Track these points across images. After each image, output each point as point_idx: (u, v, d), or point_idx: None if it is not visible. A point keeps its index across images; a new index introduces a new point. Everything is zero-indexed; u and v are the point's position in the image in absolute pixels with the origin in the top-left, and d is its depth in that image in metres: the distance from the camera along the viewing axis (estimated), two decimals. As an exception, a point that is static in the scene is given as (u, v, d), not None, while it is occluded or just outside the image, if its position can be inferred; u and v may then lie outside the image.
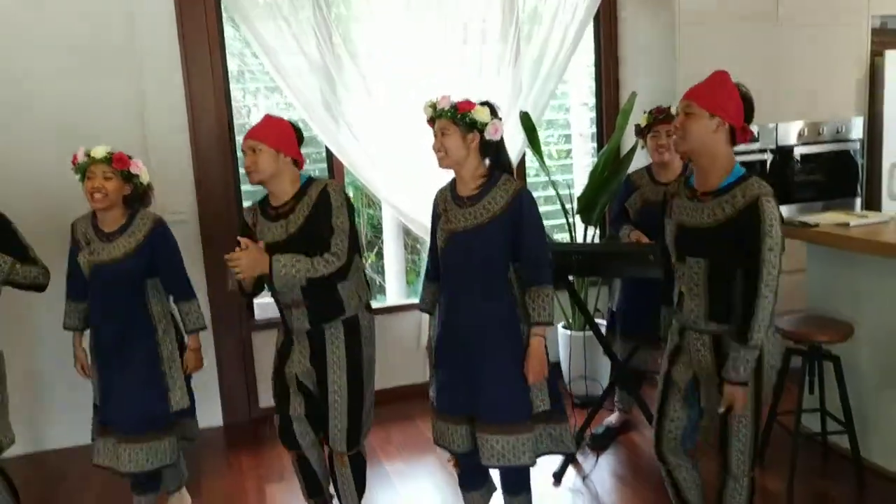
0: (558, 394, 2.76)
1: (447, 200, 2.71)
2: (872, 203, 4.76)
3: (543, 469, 3.56)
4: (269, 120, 2.78)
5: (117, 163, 2.83)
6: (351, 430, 2.84)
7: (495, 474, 2.92)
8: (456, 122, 2.58)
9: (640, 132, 3.63)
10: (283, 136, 2.73)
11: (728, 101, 2.39)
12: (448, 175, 2.75)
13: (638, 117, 3.76)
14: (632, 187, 3.67)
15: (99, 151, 2.82)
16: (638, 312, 3.58)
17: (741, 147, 4.34)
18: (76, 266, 2.93)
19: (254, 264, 2.60)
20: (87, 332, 3.03)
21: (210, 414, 4.26)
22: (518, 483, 2.84)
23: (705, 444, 2.65)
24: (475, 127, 2.60)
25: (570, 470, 3.59)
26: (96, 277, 2.88)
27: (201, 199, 4.10)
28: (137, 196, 2.95)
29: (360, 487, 2.99)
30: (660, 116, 3.49)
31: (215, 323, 4.20)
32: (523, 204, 2.59)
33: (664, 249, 2.65)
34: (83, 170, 2.83)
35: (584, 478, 3.53)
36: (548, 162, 4.95)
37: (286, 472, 3.48)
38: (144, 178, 2.94)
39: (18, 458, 3.62)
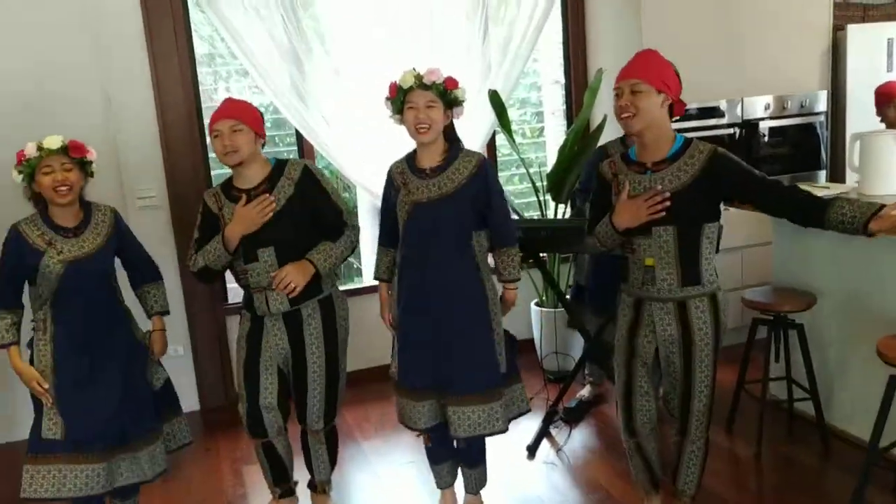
0: (515, 359, 2.88)
1: (405, 173, 2.74)
2: (837, 175, 4.84)
3: (517, 442, 3.62)
4: (239, 102, 2.78)
5: (74, 151, 2.61)
6: (328, 408, 2.92)
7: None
8: (441, 96, 2.63)
9: None
10: (257, 117, 2.79)
11: (670, 77, 2.50)
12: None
13: (606, 93, 3.79)
14: (604, 157, 3.68)
15: (54, 141, 2.58)
16: (606, 286, 3.61)
17: (710, 121, 4.44)
18: (22, 272, 2.65)
19: (303, 273, 2.71)
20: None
21: (186, 399, 4.25)
22: (478, 454, 2.94)
23: (666, 412, 2.73)
24: (454, 105, 2.67)
25: (544, 443, 3.65)
26: (72, 275, 2.62)
27: (171, 183, 4.08)
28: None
29: (333, 459, 3.08)
30: None
31: (189, 308, 4.20)
32: (488, 173, 2.70)
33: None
34: (33, 166, 2.57)
35: (558, 450, 3.59)
36: (521, 141, 4.98)
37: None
38: (94, 167, 2.72)
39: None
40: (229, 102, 2.76)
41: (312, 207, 2.76)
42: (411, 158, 2.77)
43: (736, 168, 2.46)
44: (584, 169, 3.82)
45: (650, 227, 2.49)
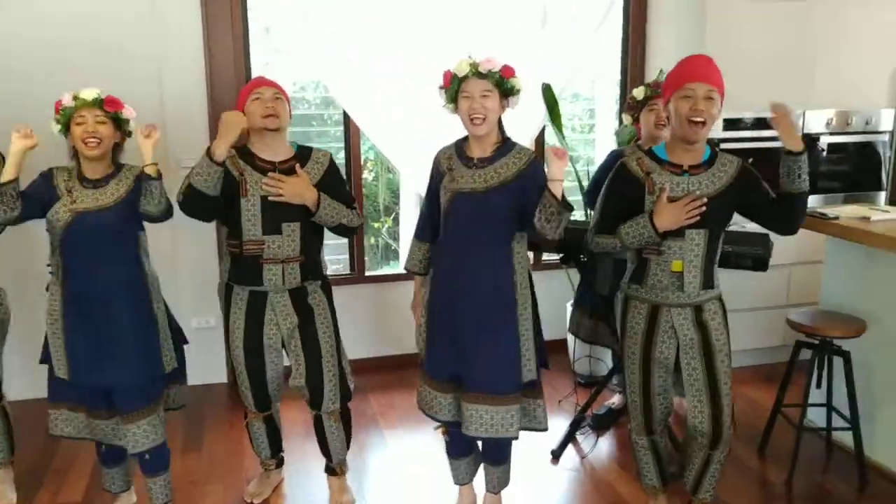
0: (541, 368, 2.75)
1: (452, 159, 2.66)
2: (897, 198, 4.66)
3: (542, 446, 3.55)
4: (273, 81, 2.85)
5: (109, 105, 2.60)
6: (343, 386, 2.96)
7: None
8: (498, 85, 2.54)
9: (633, 107, 3.46)
10: (288, 98, 2.87)
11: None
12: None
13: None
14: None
15: (89, 93, 2.58)
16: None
17: (765, 133, 4.28)
18: (35, 202, 2.61)
19: (299, 192, 2.70)
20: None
21: (215, 371, 4.28)
22: (502, 453, 2.86)
23: (693, 431, 2.68)
24: (510, 94, 2.58)
25: (570, 449, 3.58)
26: (79, 227, 2.59)
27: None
28: (121, 147, 2.72)
29: (349, 439, 3.09)
30: (658, 90, 3.37)
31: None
32: (538, 173, 2.55)
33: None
34: (68, 116, 2.58)
35: (583, 458, 3.52)
36: (570, 135, 4.87)
37: (288, 431, 3.47)
38: (133, 126, 2.70)
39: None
40: (264, 77, 2.86)
41: (333, 194, 2.81)
42: (461, 145, 2.69)
43: (758, 185, 2.55)
44: (598, 172, 3.65)
45: (683, 230, 2.50)
